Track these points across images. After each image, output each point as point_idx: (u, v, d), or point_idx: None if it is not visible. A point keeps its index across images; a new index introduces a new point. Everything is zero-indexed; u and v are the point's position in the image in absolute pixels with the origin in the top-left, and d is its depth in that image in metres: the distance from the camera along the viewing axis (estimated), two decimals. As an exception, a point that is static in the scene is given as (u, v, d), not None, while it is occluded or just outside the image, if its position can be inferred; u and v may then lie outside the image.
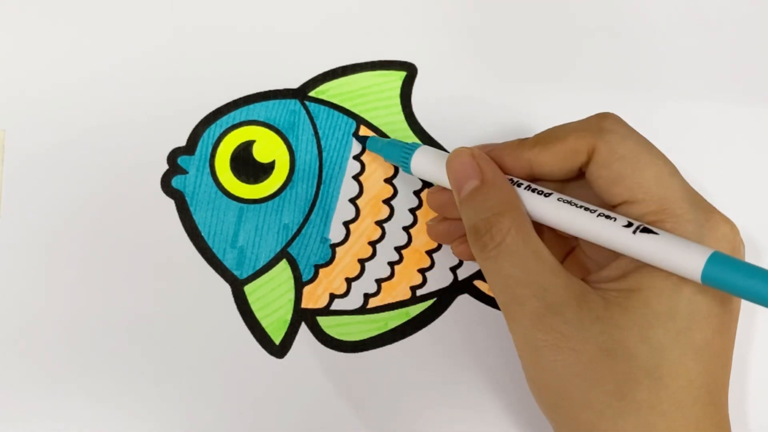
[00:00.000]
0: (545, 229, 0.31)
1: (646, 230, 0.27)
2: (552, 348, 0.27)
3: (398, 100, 0.37)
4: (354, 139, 0.36)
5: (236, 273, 0.35)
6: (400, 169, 0.36)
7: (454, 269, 0.36)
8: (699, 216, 0.27)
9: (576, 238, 0.32)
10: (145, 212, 0.35)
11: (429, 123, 0.37)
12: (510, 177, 0.30)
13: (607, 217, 0.28)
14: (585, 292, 0.27)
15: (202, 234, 0.35)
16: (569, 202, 0.29)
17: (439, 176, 0.32)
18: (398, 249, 0.36)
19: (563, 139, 0.29)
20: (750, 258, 0.35)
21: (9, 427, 0.34)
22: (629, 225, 0.27)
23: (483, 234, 0.29)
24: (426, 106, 0.37)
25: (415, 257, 0.36)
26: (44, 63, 0.37)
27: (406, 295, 0.35)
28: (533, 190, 0.29)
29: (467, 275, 0.36)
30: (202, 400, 0.34)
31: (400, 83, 0.37)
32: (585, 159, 0.29)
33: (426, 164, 0.33)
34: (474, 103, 0.37)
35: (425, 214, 0.36)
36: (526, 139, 0.31)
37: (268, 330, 0.35)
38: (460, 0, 0.38)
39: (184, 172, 0.36)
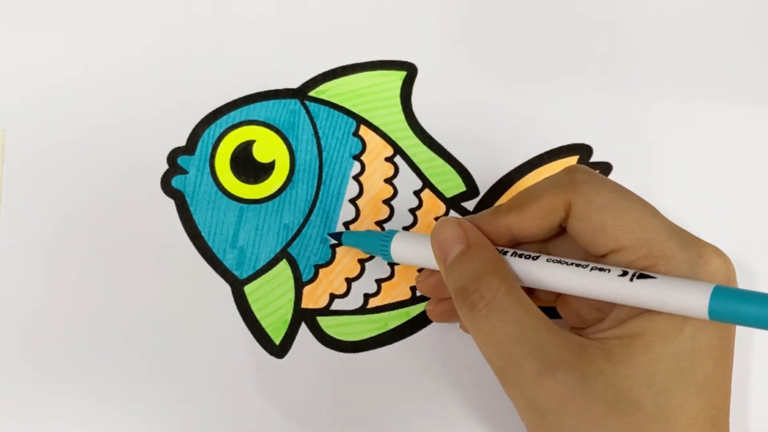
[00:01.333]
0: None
1: (642, 276, 0.26)
2: (556, 411, 0.26)
3: (398, 100, 0.37)
4: (329, 238, 0.35)
5: (236, 273, 0.35)
6: (399, 171, 0.36)
7: (454, 269, 0.36)
8: (690, 253, 0.27)
9: None
10: (145, 212, 0.35)
11: (429, 123, 0.37)
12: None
13: (601, 269, 0.27)
14: (583, 346, 0.27)
15: (202, 234, 0.35)
16: (559, 262, 0.28)
17: (422, 258, 0.31)
18: (398, 249, 0.36)
19: (538, 199, 0.29)
20: (751, 257, 0.35)
21: (9, 427, 0.34)
22: (624, 274, 0.26)
23: (471, 293, 0.28)
24: (426, 105, 0.37)
25: (415, 257, 0.36)
26: (44, 63, 0.37)
27: (406, 295, 0.35)
28: (520, 255, 0.29)
29: (467, 275, 0.36)
30: (202, 400, 0.34)
31: (400, 83, 0.37)
32: (563, 215, 0.29)
33: (406, 249, 0.32)
34: (474, 103, 0.37)
35: (425, 215, 0.36)
36: (501, 205, 0.30)
37: (268, 330, 0.35)
38: (460, 0, 0.38)
39: (184, 172, 0.36)
